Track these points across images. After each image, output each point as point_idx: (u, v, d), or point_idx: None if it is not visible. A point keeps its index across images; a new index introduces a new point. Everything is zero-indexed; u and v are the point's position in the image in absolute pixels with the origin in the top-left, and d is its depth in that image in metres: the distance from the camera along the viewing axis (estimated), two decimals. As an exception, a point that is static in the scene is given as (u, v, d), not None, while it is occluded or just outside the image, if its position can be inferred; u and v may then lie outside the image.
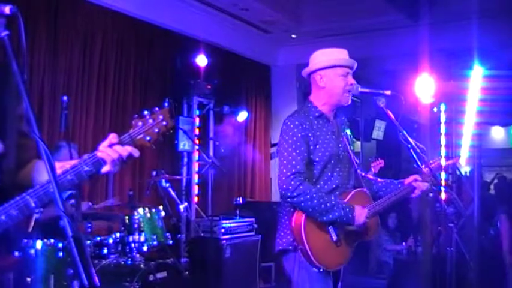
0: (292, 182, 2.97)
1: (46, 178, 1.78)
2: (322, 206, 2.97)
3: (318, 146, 3.09)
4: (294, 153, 3.03)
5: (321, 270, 3.02)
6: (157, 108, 1.96)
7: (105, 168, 1.90)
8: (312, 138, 3.08)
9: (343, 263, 3.12)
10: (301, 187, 2.97)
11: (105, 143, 1.92)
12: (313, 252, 2.99)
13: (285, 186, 2.99)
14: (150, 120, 1.95)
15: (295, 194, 2.96)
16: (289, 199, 3.00)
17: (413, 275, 6.67)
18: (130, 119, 1.96)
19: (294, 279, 3.10)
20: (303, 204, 2.97)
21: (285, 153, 3.05)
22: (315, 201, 2.96)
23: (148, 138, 1.94)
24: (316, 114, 3.17)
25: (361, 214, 3.04)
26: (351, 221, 3.02)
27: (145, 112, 1.95)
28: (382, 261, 7.70)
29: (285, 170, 3.02)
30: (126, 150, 1.92)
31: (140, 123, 1.94)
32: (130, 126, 1.96)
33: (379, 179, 3.42)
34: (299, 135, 3.06)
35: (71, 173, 1.87)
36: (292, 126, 3.09)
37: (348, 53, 3.25)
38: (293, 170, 3.00)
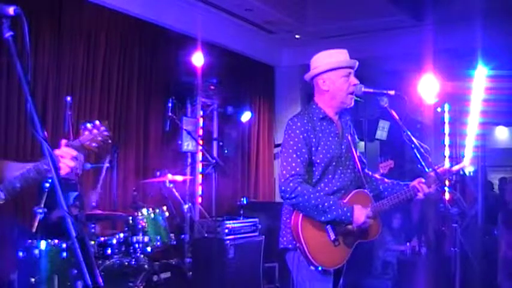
0: (291, 184, 2.99)
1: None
2: (320, 206, 2.98)
3: (319, 148, 3.10)
4: (294, 155, 3.04)
5: (320, 269, 3.02)
6: (97, 122, 2.43)
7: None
8: (313, 140, 3.09)
9: (341, 263, 3.10)
10: (299, 188, 2.98)
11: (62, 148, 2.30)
12: (310, 250, 3.00)
13: (283, 187, 3.02)
14: (95, 131, 2.41)
15: (293, 195, 2.98)
16: (288, 200, 3.02)
17: (417, 275, 6.66)
18: (80, 127, 2.44)
19: (294, 277, 3.12)
20: (301, 205, 2.99)
21: (286, 155, 3.08)
22: (313, 201, 2.97)
23: (94, 144, 2.39)
24: (321, 116, 3.17)
25: (360, 214, 3.02)
26: (350, 221, 3.01)
27: (89, 125, 2.41)
28: (386, 262, 7.68)
29: (284, 172, 3.04)
30: (73, 151, 2.31)
31: (87, 133, 2.40)
32: (79, 133, 2.40)
33: (386, 180, 3.40)
34: (300, 136, 3.06)
35: (32, 171, 2.25)
36: (294, 127, 3.09)
37: (347, 53, 3.24)
38: (292, 172, 3.02)
